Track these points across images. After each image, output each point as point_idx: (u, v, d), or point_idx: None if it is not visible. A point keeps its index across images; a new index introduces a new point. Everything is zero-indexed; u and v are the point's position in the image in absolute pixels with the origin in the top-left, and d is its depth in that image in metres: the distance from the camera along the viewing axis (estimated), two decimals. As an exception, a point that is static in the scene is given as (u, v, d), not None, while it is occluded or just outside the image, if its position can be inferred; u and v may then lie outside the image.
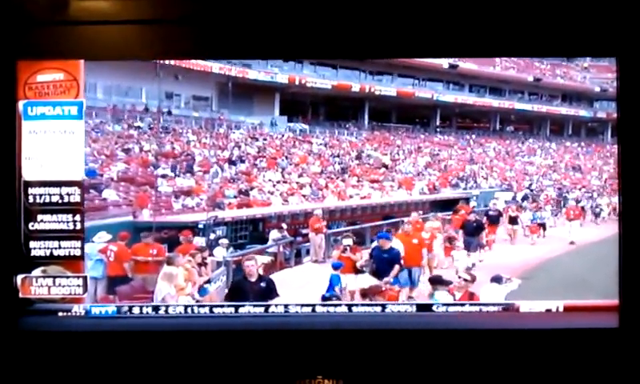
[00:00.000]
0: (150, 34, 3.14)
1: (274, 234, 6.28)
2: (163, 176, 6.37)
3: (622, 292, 3.13)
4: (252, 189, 7.12)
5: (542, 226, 6.91)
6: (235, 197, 6.97)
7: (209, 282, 4.35)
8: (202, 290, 4.10)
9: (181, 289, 3.98)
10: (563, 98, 8.59)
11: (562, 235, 6.51)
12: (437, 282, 3.86)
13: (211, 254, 5.10)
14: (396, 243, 4.96)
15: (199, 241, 5.37)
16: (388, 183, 8.10)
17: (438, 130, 8.67)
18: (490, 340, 3.14)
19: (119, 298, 3.66)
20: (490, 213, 6.69)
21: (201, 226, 5.79)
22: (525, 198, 7.54)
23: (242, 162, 7.54)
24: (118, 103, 5.90)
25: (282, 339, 3.16)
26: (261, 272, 3.97)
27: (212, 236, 5.76)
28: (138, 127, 6.17)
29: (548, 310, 3.15)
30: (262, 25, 3.13)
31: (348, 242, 5.08)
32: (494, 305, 3.22)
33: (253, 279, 3.85)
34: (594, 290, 3.27)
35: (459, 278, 3.79)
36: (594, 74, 7.51)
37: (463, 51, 3.25)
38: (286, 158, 7.94)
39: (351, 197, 7.66)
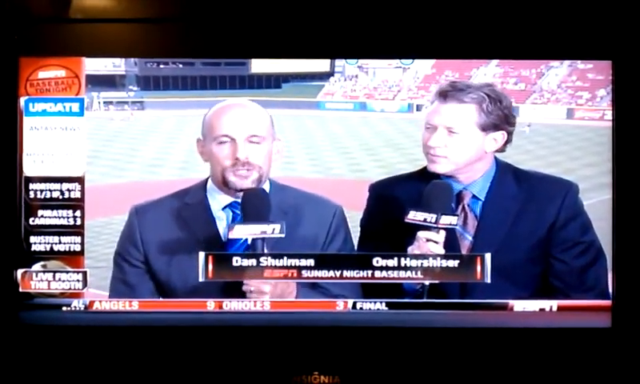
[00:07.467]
0: (154, 32, 3.17)
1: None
2: None
3: (614, 292, 3.16)
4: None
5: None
6: None
7: None
8: None
9: None
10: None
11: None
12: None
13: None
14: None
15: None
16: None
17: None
18: (484, 339, 3.18)
19: None
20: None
21: None
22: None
23: None
24: None
25: (278, 335, 3.18)
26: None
27: None
28: None
29: (542, 309, 3.19)
30: (266, 23, 3.17)
31: None
32: (487, 304, 3.25)
33: None
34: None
35: None
36: None
37: (455, 52, 3.25)
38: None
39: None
